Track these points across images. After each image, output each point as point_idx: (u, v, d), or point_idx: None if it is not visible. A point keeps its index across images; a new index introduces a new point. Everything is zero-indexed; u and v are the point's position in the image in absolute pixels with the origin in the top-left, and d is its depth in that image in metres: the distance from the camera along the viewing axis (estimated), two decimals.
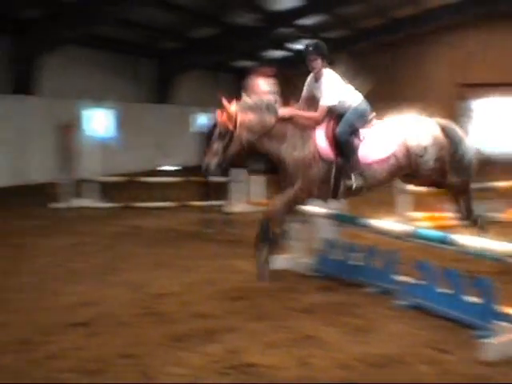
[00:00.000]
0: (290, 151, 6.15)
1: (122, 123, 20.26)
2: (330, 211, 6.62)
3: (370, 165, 6.20)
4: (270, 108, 6.25)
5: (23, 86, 17.20)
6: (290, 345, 4.65)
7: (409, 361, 4.37)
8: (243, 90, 7.24)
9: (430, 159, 6.27)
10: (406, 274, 5.72)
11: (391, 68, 27.27)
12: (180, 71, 23.66)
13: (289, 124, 6.23)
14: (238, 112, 6.14)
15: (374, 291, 5.95)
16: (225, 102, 6.13)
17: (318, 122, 6.26)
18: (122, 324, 5.18)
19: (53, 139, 13.41)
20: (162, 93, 23.38)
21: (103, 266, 7.27)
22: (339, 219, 6.66)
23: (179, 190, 12.54)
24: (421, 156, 6.26)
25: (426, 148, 6.25)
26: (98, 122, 19.67)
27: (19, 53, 16.99)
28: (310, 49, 6.37)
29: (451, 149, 6.42)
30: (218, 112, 6.20)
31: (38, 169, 16.51)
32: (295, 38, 24.73)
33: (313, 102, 6.35)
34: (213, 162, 6.09)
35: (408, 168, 6.36)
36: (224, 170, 6.59)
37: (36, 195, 13.86)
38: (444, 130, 6.48)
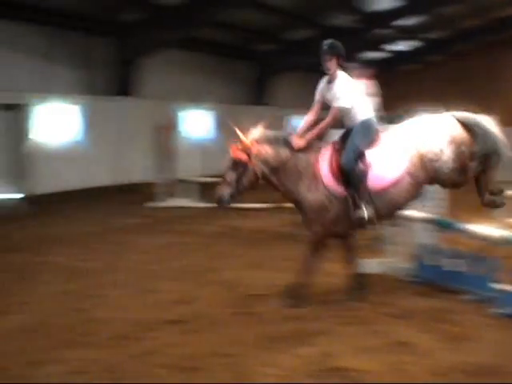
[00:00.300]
0: (305, 192, 5.92)
1: (219, 125, 20.60)
2: (427, 216, 6.47)
3: (383, 190, 5.83)
4: (285, 141, 6.05)
5: (124, 87, 17.87)
6: (382, 350, 4.60)
7: (505, 371, 4.22)
8: None
9: (447, 160, 5.85)
10: (506, 282, 5.52)
11: (492, 69, 26.29)
12: (275, 73, 23.80)
13: (302, 158, 5.99)
14: (254, 143, 5.96)
15: (471, 298, 5.78)
16: (239, 132, 5.99)
17: (330, 125, 6.05)
18: (217, 323, 5.28)
19: (151, 140, 13.84)
20: (257, 95, 23.60)
21: (199, 265, 7.44)
22: (437, 224, 6.50)
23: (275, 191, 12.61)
24: (436, 160, 5.85)
25: (441, 150, 5.85)
26: (196, 124, 20.12)
27: (121, 55, 17.64)
28: (325, 48, 6.05)
29: (474, 143, 5.94)
30: (233, 144, 6.02)
31: (137, 169, 17.03)
32: (393, 39, 24.31)
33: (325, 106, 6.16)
34: (225, 192, 5.86)
35: (427, 178, 5.95)
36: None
37: (135, 194, 14.34)
38: (464, 123, 6.00)
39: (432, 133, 5.93)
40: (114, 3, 16.16)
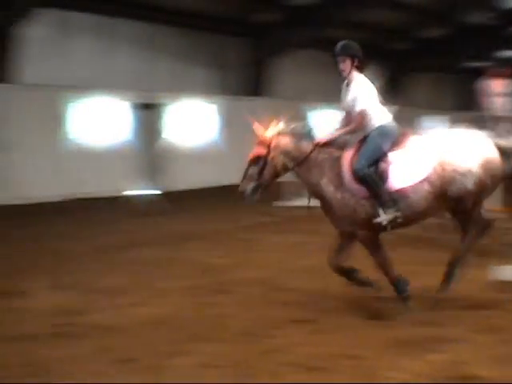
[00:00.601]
0: (331, 190, 5.68)
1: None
2: None
3: (403, 193, 5.54)
4: (308, 134, 5.87)
5: (256, 87, 18.18)
6: None
7: None
8: (474, 91, 6.79)
9: (469, 181, 5.52)
10: None
11: None
12: (408, 72, 23.29)
13: (325, 154, 5.78)
14: (274, 136, 5.82)
15: None
16: (256, 126, 5.88)
17: (358, 130, 5.78)
18: (346, 324, 5.22)
19: None
20: (390, 94, 23.23)
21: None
22: None
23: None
24: (461, 174, 5.51)
25: (469, 169, 5.51)
26: (326, 123, 20.04)
27: (254, 56, 17.96)
28: (338, 48, 5.87)
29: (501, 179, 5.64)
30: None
31: None
32: None
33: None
34: (248, 187, 5.77)
35: (444, 193, 5.56)
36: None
37: (264, 193, 14.54)
38: (504, 152, 5.63)
39: (467, 149, 5.61)
40: (248, 5, 16.49)
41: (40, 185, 13.58)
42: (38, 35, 14.13)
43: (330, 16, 17.36)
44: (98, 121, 15.18)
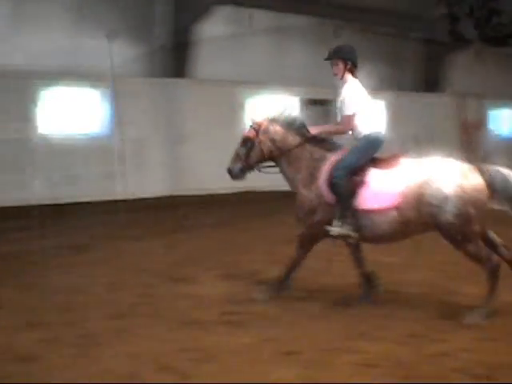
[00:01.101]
0: (301, 187, 5.87)
1: None
2: None
3: (367, 213, 5.52)
4: (299, 129, 6.00)
5: (432, 83, 17.65)
6: None
7: None
8: None
9: (449, 212, 5.24)
10: None
11: None
12: None
13: (307, 152, 5.93)
14: (266, 122, 6.04)
15: None
16: (252, 111, 5.94)
17: (340, 133, 6.02)
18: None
19: (455, 137, 13.42)
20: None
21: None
22: None
23: None
24: (437, 206, 5.26)
25: (445, 198, 5.24)
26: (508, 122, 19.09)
27: (428, 51, 17.47)
28: (331, 51, 5.96)
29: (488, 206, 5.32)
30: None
31: None
32: None
33: None
34: (235, 166, 6.04)
35: (422, 223, 5.41)
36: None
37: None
38: (492, 181, 5.33)
39: (444, 178, 5.34)
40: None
41: (213, 176, 14.17)
42: (214, 32, 14.78)
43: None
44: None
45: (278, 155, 6.05)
